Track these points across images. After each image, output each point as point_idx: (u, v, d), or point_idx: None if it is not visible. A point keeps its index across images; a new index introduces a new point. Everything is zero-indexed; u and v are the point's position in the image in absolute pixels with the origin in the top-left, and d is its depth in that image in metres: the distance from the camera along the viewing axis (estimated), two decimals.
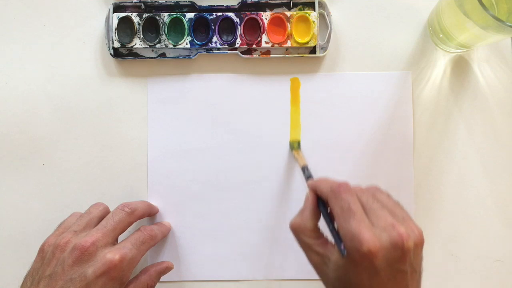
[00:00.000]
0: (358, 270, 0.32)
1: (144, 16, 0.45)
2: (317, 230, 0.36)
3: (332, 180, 0.36)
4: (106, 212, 0.42)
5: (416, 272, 0.33)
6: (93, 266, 0.37)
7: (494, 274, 0.46)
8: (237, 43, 0.46)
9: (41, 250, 0.39)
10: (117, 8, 0.46)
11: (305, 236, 0.35)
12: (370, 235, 0.31)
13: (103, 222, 0.40)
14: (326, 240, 0.35)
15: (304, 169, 0.41)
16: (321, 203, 0.36)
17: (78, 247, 0.37)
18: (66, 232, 0.40)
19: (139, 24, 0.45)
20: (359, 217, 0.32)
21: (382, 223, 0.32)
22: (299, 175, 0.46)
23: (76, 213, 0.43)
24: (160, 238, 0.43)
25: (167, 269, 0.44)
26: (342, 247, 0.32)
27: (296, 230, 0.36)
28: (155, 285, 0.42)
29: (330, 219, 0.35)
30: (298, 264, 0.46)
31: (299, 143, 0.46)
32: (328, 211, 0.36)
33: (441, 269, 0.46)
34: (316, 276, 0.46)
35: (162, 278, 0.45)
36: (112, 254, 0.37)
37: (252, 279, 0.46)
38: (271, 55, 0.46)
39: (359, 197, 0.34)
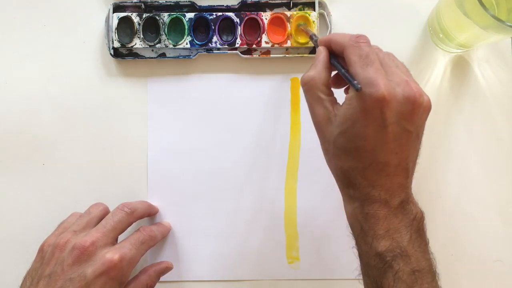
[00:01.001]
0: (367, 120, 0.31)
1: (144, 16, 0.45)
2: (328, 85, 0.35)
3: (346, 36, 0.35)
4: (105, 212, 0.42)
5: (419, 137, 0.34)
6: (92, 266, 0.37)
7: (494, 274, 0.46)
8: (237, 43, 0.46)
9: (41, 250, 0.39)
10: (117, 8, 0.46)
11: (318, 89, 0.34)
12: (386, 82, 0.31)
13: (102, 222, 0.40)
14: (335, 99, 0.35)
15: (312, 36, 0.41)
16: (332, 57, 0.35)
17: (77, 247, 0.37)
18: (66, 232, 0.40)
19: (139, 24, 0.45)
20: (377, 65, 0.32)
21: (397, 78, 0.32)
22: (301, 176, 0.46)
23: (76, 213, 0.43)
24: (160, 239, 0.43)
25: (167, 269, 0.44)
26: (356, 83, 0.31)
27: (309, 83, 0.35)
28: (154, 285, 0.42)
29: (344, 68, 0.34)
30: (300, 263, 0.46)
31: (305, 23, 0.45)
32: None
33: (441, 269, 0.46)
34: (317, 276, 0.46)
35: (162, 278, 0.45)
36: (111, 254, 0.37)
37: (252, 279, 0.46)
38: (271, 55, 0.46)
39: (377, 52, 0.34)
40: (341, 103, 0.34)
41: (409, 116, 0.32)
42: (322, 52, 0.36)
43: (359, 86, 0.31)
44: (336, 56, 0.36)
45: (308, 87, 0.35)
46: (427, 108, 0.33)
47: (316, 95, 0.35)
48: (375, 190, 0.33)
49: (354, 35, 0.34)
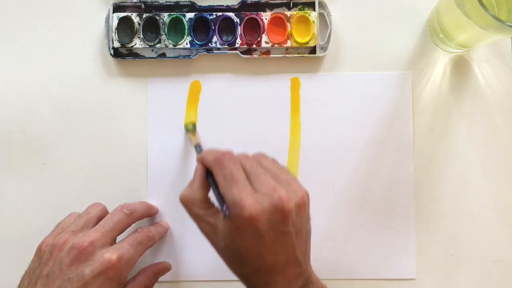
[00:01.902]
0: (243, 236, 0.33)
1: (144, 16, 0.45)
2: (207, 201, 0.36)
3: (217, 150, 0.37)
4: (104, 213, 0.42)
5: (302, 232, 0.35)
6: (90, 265, 0.36)
7: (494, 274, 0.46)
8: (237, 43, 0.46)
9: (39, 250, 0.39)
10: (117, 8, 0.46)
11: (195, 207, 0.36)
12: (251, 200, 0.32)
13: (101, 222, 0.40)
14: (216, 211, 0.36)
15: (197, 147, 0.42)
16: (209, 174, 0.37)
17: (76, 247, 0.37)
18: (64, 232, 0.39)
19: (139, 24, 0.45)
20: (241, 184, 0.33)
21: (264, 187, 0.33)
22: (301, 176, 0.46)
23: (74, 213, 0.43)
24: (158, 239, 0.43)
25: (165, 270, 0.44)
26: (225, 208, 0.33)
27: (187, 202, 0.36)
28: (152, 286, 0.42)
29: (216, 188, 0.35)
30: None
31: (194, 125, 0.46)
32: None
33: (441, 269, 0.46)
34: (317, 276, 0.46)
35: (162, 278, 0.45)
36: (109, 254, 0.37)
37: None
38: (271, 55, 0.46)
39: (243, 164, 0.35)
40: None
41: (282, 222, 0.33)
42: (198, 170, 0.37)
43: (226, 212, 0.33)
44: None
45: (186, 205, 0.36)
46: (302, 206, 0.34)
47: (194, 213, 0.36)
48: (271, 286, 0.34)
49: (219, 153, 0.36)
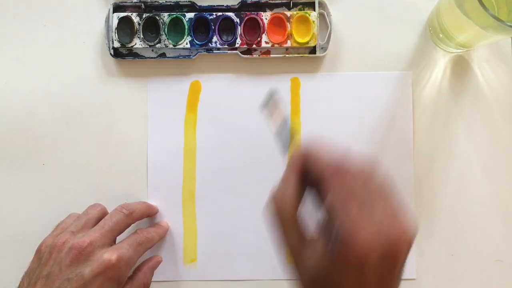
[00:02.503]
0: (345, 274, 0.27)
1: (144, 16, 0.45)
2: (297, 210, 0.30)
3: (327, 157, 0.29)
4: (104, 213, 0.42)
5: (400, 273, 0.29)
6: (90, 266, 0.36)
7: (494, 274, 0.46)
8: (237, 43, 0.46)
9: (38, 251, 0.39)
10: (117, 8, 0.46)
11: (289, 214, 0.30)
12: (366, 233, 0.26)
13: (101, 223, 0.40)
14: (307, 228, 0.30)
15: (281, 127, 0.35)
16: (308, 190, 0.30)
17: (75, 247, 0.37)
18: (64, 232, 0.39)
19: (139, 24, 0.45)
20: (356, 211, 0.27)
21: (378, 217, 0.27)
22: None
23: (74, 214, 0.43)
24: (157, 240, 0.43)
25: (158, 263, 0.44)
26: (331, 245, 0.27)
27: (280, 204, 0.30)
28: (150, 282, 0.42)
29: (317, 204, 0.30)
30: None
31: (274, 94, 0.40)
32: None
33: (441, 269, 0.46)
34: None
35: (162, 278, 0.45)
36: (109, 254, 0.37)
37: (252, 279, 0.46)
38: (271, 55, 0.46)
39: (356, 182, 0.29)
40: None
41: (390, 268, 0.27)
42: (295, 169, 0.30)
43: (334, 252, 0.27)
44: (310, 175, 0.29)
45: (279, 209, 0.30)
46: (410, 247, 0.28)
47: (287, 220, 0.30)
48: None
49: (335, 158, 0.29)
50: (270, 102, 0.37)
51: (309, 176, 0.30)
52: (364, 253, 0.26)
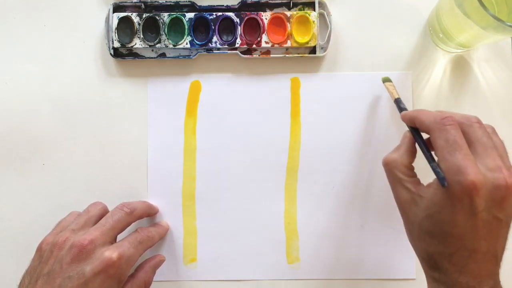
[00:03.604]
0: (455, 208, 0.31)
1: (144, 16, 0.45)
2: (411, 168, 0.36)
3: (433, 112, 0.35)
4: (104, 211, 0.42)
5: (508, 225, 0.33)
6: (91, 264, 0.37)
7: None
8: (237, 43, 0.46)
9: (39, 249, 0.39)
10: (117, 8, 0.46)
11: (398, 171, 0.35)
12: (476, 169, 0.30)
13: (102, 221, 0.40)
14: (418, 180, 0.35)
15: (398, 101, 0.41)
16: (417, 135, 0.36)
17: (76, 245, 0.37)
18: (64, 230, 0.40)
19: (139, 24, 0.45)
20: (465, 151, 0.31)
21: (491, 162, 0.31)
22: (301, 176, 0.46)
23: (74, 212, 0.43)
24: (158, 239, 0.43)
25: (160, 262, 0.44)
26: (443, 176, 0.31)
27: (390, 164, 0.35)
28: (151, 281, 0.42)
29: (428, 151, 0.34)
30: (300, 263, 0.46)
31: (390, 79, 0.44)
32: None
33: None
34: (317, 276, 0.46)
35: (162, 278, 0.45)
36: (110, 252, 0.37)
37: (252, 279, 0.46)
38: (271, 55, 0.46)
39: (471, 130, 0.33)
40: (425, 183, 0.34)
41: (499, 204, 0.31)
42: (407, 136, 0.36)
43: (445, 182, 0.31)
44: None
45: (389, 168, 0.36)
46: None
47: (396, 176, 0.35)
48: (462, 276, 0.32)
49: (439, 115, 0.34)
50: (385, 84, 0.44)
51: (419, 133, 0.36)
52: (474, 185, 0.30)
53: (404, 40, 0.47)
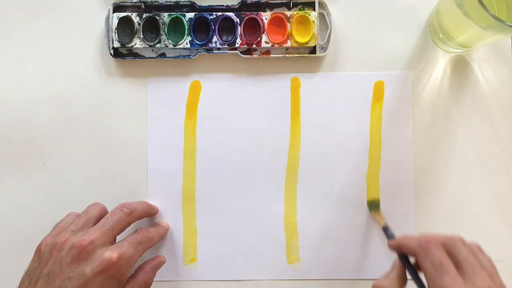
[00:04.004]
0: None
1: (144, 16, 0.45)
2: None
3: (416, 236, 0.35)
4: (104, 212, 0.42)
5: None
6: (91, 264, 0.36)
7: None
8: (237, 43, 0.46)
9: (38, 250, 0.39)
10: (117, 8, 0.46)
11: None
12: None
13: (101, 221, 0.40)
14: None
15: (386, 229, 0.41)
16: (406, 262, 0.36)
17: (76, 246, 0.37)
18: (64, 231, 0.39)
19: (139, 24, 0.45)
20: (453, 273, 0.31)
21: (479, 283, 0.31)
22: (301, 176, 0.46)
23: (72, 213, 0.43)
24: (158, 240, 0.43)
25: (161, 263, 0.44)
26: None
27: None
28: (152, 282, 0.42)
29: (418, 278, 0.35)
30: (300, 263, 0.46)
31: (378, 203, 0.45)
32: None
33: None
34: (317, 276, 0.46)
35: (162, 278, 0.45)
36: (110, 253, 0.37)
37: (252, 279, 0.46)
38: (271, 55, 0.46)
39: (456, 251, 0.33)
40: None
41: None
42: (396, 262, 0.36)
43: None
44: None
45: None
46: None
47: None
48: None
49: (424, 238, 0.34)
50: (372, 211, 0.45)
51: (408, 257, 0.35)
52: None
53: (404, 40, 0.47)
